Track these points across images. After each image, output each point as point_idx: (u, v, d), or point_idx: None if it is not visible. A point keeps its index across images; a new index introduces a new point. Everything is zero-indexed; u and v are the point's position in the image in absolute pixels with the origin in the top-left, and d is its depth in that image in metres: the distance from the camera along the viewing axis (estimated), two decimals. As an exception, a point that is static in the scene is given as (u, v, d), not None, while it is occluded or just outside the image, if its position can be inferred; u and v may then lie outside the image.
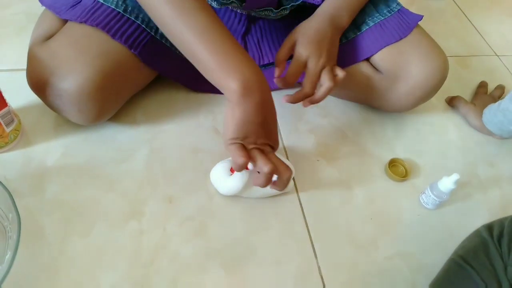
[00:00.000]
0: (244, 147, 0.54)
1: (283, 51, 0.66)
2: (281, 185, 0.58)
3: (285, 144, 0.77)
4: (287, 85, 0.66)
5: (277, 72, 0.66)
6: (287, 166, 0.56)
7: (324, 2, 0.68)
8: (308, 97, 0.65)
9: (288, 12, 0.74)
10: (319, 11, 0.68)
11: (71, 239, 0.60)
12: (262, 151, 0.56)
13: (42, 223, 0.60)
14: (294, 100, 0.65)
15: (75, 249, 0.59)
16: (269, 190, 0.65)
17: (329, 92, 0.65)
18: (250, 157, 0.54)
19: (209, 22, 0.52)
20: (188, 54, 0.54)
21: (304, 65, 0.64)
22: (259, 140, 0.55)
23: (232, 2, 0.69)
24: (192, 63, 0.55)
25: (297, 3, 0.72)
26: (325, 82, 0.64)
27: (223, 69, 0.51)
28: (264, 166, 0.54)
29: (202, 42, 0.51)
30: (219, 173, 0.66)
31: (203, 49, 0.51)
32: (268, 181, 0.56)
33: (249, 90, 0.51)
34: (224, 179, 0.65)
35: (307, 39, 0.64)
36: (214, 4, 0.70)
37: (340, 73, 0.66)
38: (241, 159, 0.52)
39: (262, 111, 0.53)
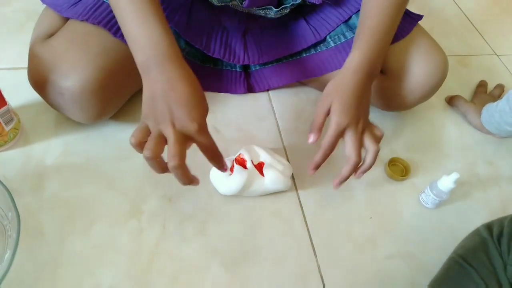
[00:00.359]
0: (145, 128, 0.52)
1: (320, 118, 0.60)
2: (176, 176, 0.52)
3: (284, 143, 0.77)
4: (323, 158, 0.61)
5: (312, 138, 0.60)
6: (175, 156, 0.49)
7: (355, 53, 0.61)
8: (357, 167, 0.61)
9: (288, 11, 0.73)
10: (352, 64, 0.61)
11: (70, 237, 0.60)
12: (182, 135, 0.50)
13: (41, 222, 0.60)
14: (344, 179, 0.61)
15: (74, 247, 0.59)
16: (269, 187, 0.65)
17: (377, 156, 0.61)
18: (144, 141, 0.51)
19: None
20: (121, 24, 0.54)
21: (343, 134, 0.59)
22: (176, 123, 0.50)
23: (233, 0, 0.69)
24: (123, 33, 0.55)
25: (297, 2, 0.71)
26: (370, 147, 0.60)
27: (136, 42, 0.52)
28: (144, 151, 0.50)
29: (133, 16, 0.52)
30: (218, 172, 0.65)
31: (130, 20, 0.53)
32: (157, 168, 0.51)
33: (150, 68, 0.51)
34: (224, 179, 0.65)
35: (344, 105, 0.58)
36: (215, 2, 0.70)
37: (378, 132, 0.63)
38: (131, 139, 0.51)
39: (168, 92, 0.50)
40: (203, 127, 0.51)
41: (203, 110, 0.52)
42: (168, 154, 0.49)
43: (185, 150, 0.51)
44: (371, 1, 0.64)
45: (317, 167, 0.61)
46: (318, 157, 0.60)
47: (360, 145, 0.60)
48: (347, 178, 0.61)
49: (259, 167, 0.66)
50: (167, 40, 0.52)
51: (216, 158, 0.55)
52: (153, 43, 0.52)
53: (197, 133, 0.50)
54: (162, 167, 0.51)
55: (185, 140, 0.50)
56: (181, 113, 0.50)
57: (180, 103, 0.50)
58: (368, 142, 0.60)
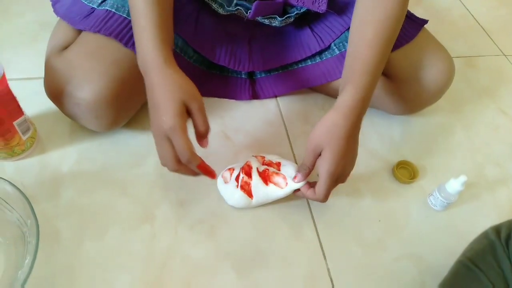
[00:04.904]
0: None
1: (310, 161, 0.60)
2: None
3: (293, 148, 0.78)
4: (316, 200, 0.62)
5: (300, 177, 0.62)
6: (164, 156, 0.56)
7: (348, 91, 0.57)
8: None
9: (292, 20, 0.75)
10: (345, 105, 0.57)
11: (86, 242, 0.61)
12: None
13: (58, 228, 0.62)
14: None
15: (90, 252, 0.61)
16: (279, 194, 0.66)
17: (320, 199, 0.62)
18: None
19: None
20: (133, 21, 0.57)
21: (337, 182, 0.61)
22: (164, 124, 0.54)
23: (238, 9, 0.70)
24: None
25: (301, 11, 0.72)
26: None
27: (138, 45, 0.56)
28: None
29: (146, 15, 0.55)
30: (224, 186, 0.67)
31: (143, 19, 0.55)
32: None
33: (143, 71, 0.56)
34: (231, 191, 0.66)
35: (338, 154, 0.57)
36: (221, 11, 0.71)
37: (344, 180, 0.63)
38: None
39: (152, 94, 0.55)
40: (173, 129, 0.53)
41: (173, 112, 0.53)
42: None
43: (171, 150, 0.55)
44: (360, 36, 0.61)
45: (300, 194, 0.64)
46: (310, 196, 0.62)
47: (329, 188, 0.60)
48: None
49: (264, 175, 0.66)
50: (155, 51, 0.55)
51: (189, 161, 0.55)
52: (143, 53, 0.56)
53: (169, 133, 0.53)
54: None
55: (165, 140, 0.55)
56: (154, 116, 0.55)
57: (152, 107, 0.55)
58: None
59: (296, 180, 0.62)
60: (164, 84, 0.54)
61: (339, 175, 0.59)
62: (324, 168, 0.58)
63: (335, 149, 0.57)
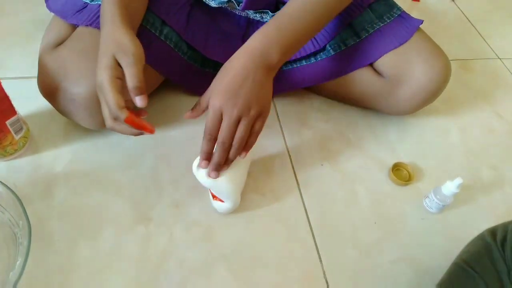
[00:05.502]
0: None
1: (203, 100, 0.58)
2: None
3: (289, 149, 0.78)
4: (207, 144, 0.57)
5: (187, 115, 0.59)
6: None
7: (254, 36, 0.59)
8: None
9: None
10: (244, 47, 0.58)
11: (79, 244, 0.61)
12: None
13: (51, 229, 0.61)
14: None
15: (83, 254, 0.60)
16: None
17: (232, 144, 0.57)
18: None
19: None
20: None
21: (221, 119, 0.56)
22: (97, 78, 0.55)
23: (230, 1, 0.70)
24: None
25: None
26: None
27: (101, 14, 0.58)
28: None
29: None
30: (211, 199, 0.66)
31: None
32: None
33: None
34: (214, 202, 0.65)
35: (222, 87, 0.56)
36: (212, 3, 0.71)
37: (257, 127, 0.58)
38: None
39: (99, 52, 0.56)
40: (100, 82, 0.53)
41: (103, 65, 0.53)
42: None
43: (104, 105, 0.55)
44: None
45: (205, 154, 0.58)
46: (203, 144, 0.57)
47: (225, 129, 0.55)
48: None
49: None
50: (110, 15, 0.56)
51: (115, 115, 0.54)
52: (102, 19, 0.58)
53: (99, 86, 0.54)
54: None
55: (100, 95, 0.55)
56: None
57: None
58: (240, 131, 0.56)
59: (185, 115, 0.59)
60: (104, 40, 0.55)
61: (221, 110, 0.55)
62: (209, 104, 0.56)
63: (221, 82, 0.56)
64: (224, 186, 0.60)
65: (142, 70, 0.54)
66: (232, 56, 0.58)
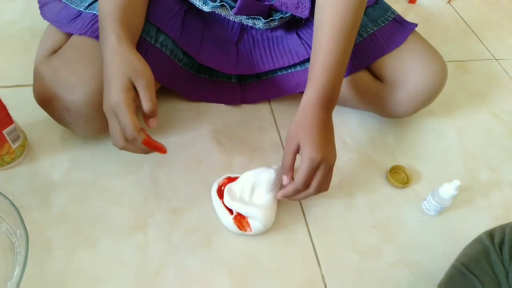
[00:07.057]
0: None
1: (289, 158, 0.60)
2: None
3: (287, 153, 0.78)
4: (294, 193, 0.60)
5: (285, 180, 0.62)
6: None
7: (310, 90, 0.61)
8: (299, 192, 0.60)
9: (277, 23, 0.75)
10: (309, 102, 0.60)
11: (78, 251, 0.61)
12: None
13: (49, 237, 0.61)
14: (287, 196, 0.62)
15: (82, 262, 0.60)
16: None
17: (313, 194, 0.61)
18: None
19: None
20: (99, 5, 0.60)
21: (317, 169, 0.58)
22: (111, 100, 0.56)
23: (223, 5, 0.70)
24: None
25: (286, 16, 0.73)
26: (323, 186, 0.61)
27: (100, 27, 0.59)
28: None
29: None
30: (220, 210, 0.66)
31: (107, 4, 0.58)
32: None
33: (101, 50, 0.58)
34: (227, 218, 0.65)
35: (313, 140, 0.58)
36: (206, 8, 0.71)
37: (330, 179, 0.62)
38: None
39: (105, 71, 0.56)
40: (117, 104, 0.54)
41: (119, 87, 0.54)
42: None
43: (118, 126, 0.55)
44: (320, 29, 0.62)
45: (286, 197, 0.62)
46: (289, 191, 0.60)
47: (320, 177, 0.59)
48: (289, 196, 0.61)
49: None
50: (111, 31, 0.57)
51: (133, 137, 0.55)
52: (102, 32, 0.58)
53: (115, 108, 0.54)
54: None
55: (113, 117, 0.55)
56: (104, 93, 0.56)
57: (104, 84, 0.56)
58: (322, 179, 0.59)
59: (284, 182, 0.62)
60: (114, 60, 0.55)
61: (320, 162, 0.58)
62: (304, 154, 0.57)
63: (311, 137, 0.58)
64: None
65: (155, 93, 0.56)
66: (299, 113, 0.60)
